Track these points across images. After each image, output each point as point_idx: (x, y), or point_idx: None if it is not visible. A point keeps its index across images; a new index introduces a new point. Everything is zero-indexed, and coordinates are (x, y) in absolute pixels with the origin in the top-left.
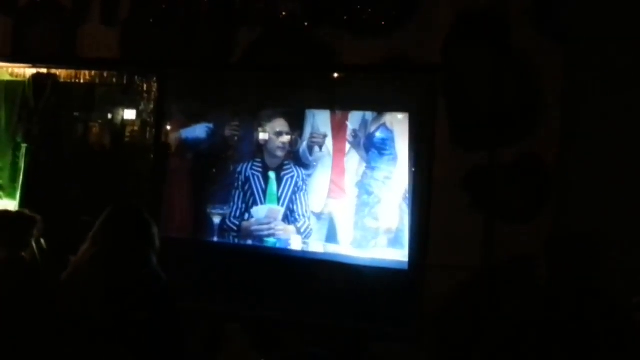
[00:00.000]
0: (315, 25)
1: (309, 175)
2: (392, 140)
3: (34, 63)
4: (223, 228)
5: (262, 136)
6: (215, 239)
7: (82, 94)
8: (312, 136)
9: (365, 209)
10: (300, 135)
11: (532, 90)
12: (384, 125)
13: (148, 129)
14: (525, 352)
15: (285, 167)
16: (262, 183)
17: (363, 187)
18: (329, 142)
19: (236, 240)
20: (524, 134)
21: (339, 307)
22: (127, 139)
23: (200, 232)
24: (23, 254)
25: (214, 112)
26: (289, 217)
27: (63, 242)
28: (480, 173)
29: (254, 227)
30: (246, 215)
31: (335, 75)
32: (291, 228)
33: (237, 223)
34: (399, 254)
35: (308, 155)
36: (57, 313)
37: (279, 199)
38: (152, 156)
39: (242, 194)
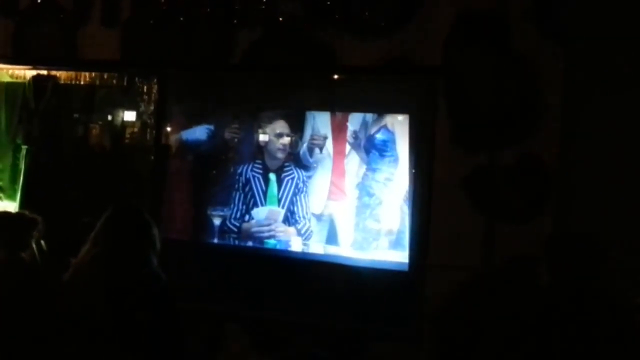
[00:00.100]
0: (316, 26)
1: (309, 177)
2: (393, 141)
3: (34, 64)
4: (223, 229)
5: (263, 138)
6: (216, 240)
7: (83, 95)
8: (312, 138)
9: (367, 210)
10: (301, 137)
11: (533, 91)
12: (384, 126)
13: (148, 130)
14: (526, 352)
15: (285, 169)
16: (263, 184)
17: (364, 189)
18: (329, 144)
19: (236, 242)
20: (524, 134)
21: (340, 308)
22: (127, 141)
23: (201, 233)
24: (23, 254)
25: (214, 113)
26: (290, 218)
27: (63, 244)
28: (480, 174)
29: (255, 229)
30: (246, 217)
31: (336, 76)
32: (291, 229)
33: (238, 224)
34: (400, 256)
35: (308, 156)
36: (58, 313)
37: (279, 201)
38: (152, 157)
39: (242, 196)
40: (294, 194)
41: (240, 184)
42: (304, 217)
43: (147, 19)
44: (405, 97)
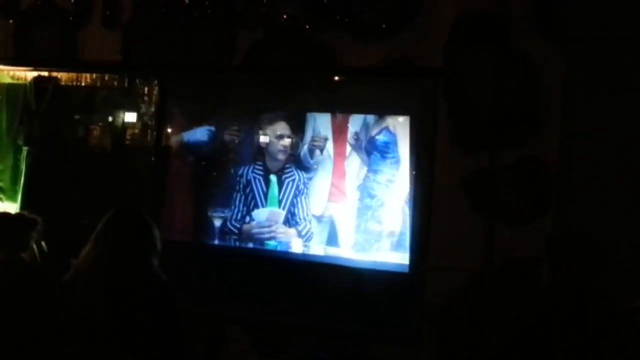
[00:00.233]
0: (316, 27)
1: (309, 179)
2: (395, 143)
3: (35, 66)
4: (224, 231)
5: (263, 139)
6: (216, 241)
7: (83, 96)
8: (313, 139)
9: (368, 212)
10: (301, 138)
11: (533, 92)
12: (386, 128)
13: (149, 131)
14: (526, 353)
15: (286, 170)
16: (263, 186)
17: (365, 190)
18: (329, 146)
19: (237, 243)
20: (524, 135)
21: (340, 310)
22: (128, 142)
23: (201, 235)
24: (23, 255)
25: (215, 115)
26: (290, 220)
27: (64, 245)
28: (481, 175)
29: (255, 230)
30: (247, 218)
31: (336, 78)
32: (292, 231)
33: (238, 226)
34: (401, 257)
35: (309, 158)
36: (58, 314)
37: (280, 202)
38: (153, 159)
39: (243, 197)
40: (295, 196)
41: (241, 186)
42: (304, 219)
43: (148, 20)
44: (406, 98)
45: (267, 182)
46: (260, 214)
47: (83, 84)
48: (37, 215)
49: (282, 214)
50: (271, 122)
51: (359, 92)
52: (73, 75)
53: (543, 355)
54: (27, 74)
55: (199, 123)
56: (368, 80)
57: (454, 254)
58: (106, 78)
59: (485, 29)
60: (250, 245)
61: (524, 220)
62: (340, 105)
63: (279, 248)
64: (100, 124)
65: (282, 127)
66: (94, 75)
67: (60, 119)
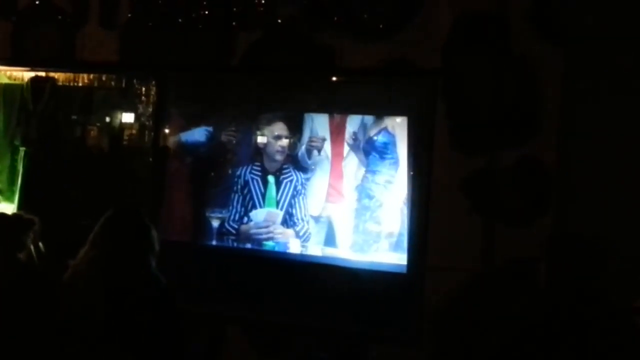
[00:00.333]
0: (315, 28)
1: (307, 179)
2: (394, 144)
3: (32, 66)
4: (222, 231)
5: (261, 140)
6: (214, 242)
7: (81, 97)
8: (310, 140)
9: (367, 212)
10: (299, 138)
11: (532, 93)
12: (385, 129)
13: (147, 132)
14: (525, 353)
15: (284, 171)
16: (261, 187)
17: (363, 191)
18: (327, 146)
19: (235, 244)
20: (523, 135)
21: (339, 310)
22: (125, 143)
23: (199, 235)
24: (19, 255)
25: (213, 115)
26: (288, 220)
27: (62, 245)
28: (480, 176)
29: (253, 231)
30: (245, 219)
31: (335, 78)
32: (290, 232)
33: (236, 227)
34: (399, 258)
35: (307, 158)
36: (57, 314)
37: (277, 203)
38: (150, 159)
39: (241, 198)
40: (293, 196)
41: (239, 186)
42: (302, 219)
43: (146, 20)
44: (405, 99)
45: (265, 182)
46: (258, 215)
47: (81, 85)
48: (34, 216)
49: (279, 214)
50: (269, 122)
51: (358, 92)
52: (71, 75)
53: (543, 356)
54: (25, 74)
55: (197, 123)
56: (367, 81)
57: (454, 254)
58: (104, 78)
59: (484, 29)
60: (248, 245)
61: (524, 221)
62: (339, 106)
63: (276, 248)
64: (98, 124)
65: (279, 128)
66: (92, 76)
67: (58, 120)
